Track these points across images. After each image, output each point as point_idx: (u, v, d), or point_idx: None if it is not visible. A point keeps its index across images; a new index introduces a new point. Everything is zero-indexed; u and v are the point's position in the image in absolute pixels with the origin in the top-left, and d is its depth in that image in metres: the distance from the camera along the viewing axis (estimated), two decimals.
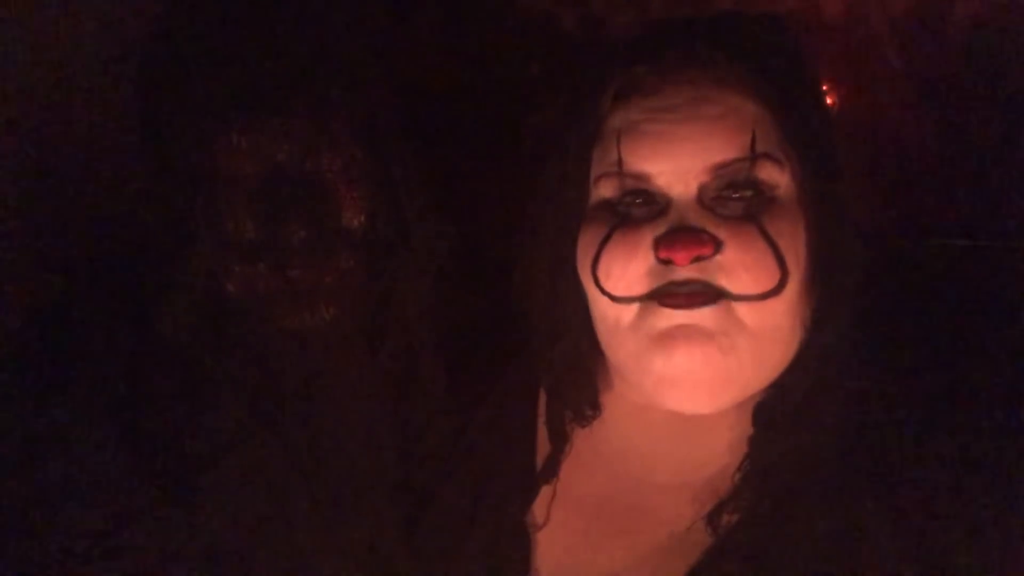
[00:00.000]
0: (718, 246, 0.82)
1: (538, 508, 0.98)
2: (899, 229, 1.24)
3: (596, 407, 0.97)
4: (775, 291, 0.82)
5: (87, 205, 1.17)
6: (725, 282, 0.82)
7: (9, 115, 1.13)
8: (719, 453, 0.90)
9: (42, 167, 1.16)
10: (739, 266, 0.82)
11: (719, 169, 0.83)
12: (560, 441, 0.99)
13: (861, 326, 0.87)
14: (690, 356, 0.83)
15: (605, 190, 0.88)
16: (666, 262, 0.83)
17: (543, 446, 1.00)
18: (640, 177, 0.85)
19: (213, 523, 0.97)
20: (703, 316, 0.82)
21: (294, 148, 0.93)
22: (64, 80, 1.16)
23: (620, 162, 0.85)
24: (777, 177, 0.84)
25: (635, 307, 0.85)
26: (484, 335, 1.07)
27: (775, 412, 0.87)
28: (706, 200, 0.84)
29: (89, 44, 1.16)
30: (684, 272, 0.82)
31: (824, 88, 0.96)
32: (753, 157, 0.83)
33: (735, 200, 0.84)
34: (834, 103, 1.25)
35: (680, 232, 0.82)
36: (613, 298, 0.86)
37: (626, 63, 0.87)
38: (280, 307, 0.96)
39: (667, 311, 0.83)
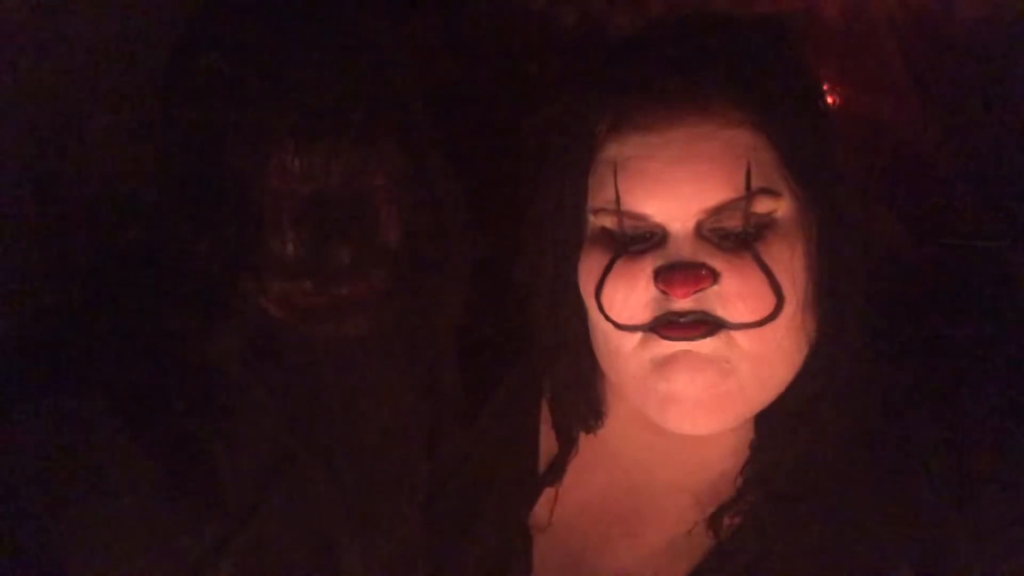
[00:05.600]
0: (715, 278, 0.83)
1: (540, 510, 0.98)
2: (898, 231, 1.23)
3: (599, 416, 0.97)
4: (771, 317, 0.83)
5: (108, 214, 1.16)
6: (722, 312, 0.83)
7: (38, 125, 1.12)
8: (721, 457, 0.90)
9: (64, 178, 1.15)
10: (735, 296, 0.82)
11: (716, 209, 0.83)
12: (568, 444, 0.99)
13: (864, 330, 0.87)
14: (691, 380, 0.84)
15: (603, 220, 0.88)
16: (666, 293, 0.83)
17: (545, 448, 1.00)
18: (638, 217, 0.85)
19: (248, 541, 0.97)
20: (701, 345, 0.83)
21: (344, 168, 0.93)
22: (100, 91, 1.15)
23: (618, 201, 0.85)
24: (773, 206, 0.84)
25: (637, 335, 0.86)
26: (487, 337, 1.06)
27: (778, 419, 0.87)
28: (704, 231, 0.84)
29: (126, 52, 1.15)
30: (683, 304, 0.83)
31: (825, 90, 0.95)
32: (748, 196, 0.83)
33: (732, 230, 0.84)
34: (834, 103, 1.25)
35: (679, 268, 0.83)
36: (617, 326, 0.86)
37: (618, 95, 0.86)
38: (321, 324, 0.96)
39: (667, 341, 0.84)
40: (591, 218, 0.89)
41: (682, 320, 0.83)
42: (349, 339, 0.98)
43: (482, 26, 1.36)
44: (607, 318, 0.86)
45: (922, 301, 0.96)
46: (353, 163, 0.93)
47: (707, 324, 0.83)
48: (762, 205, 0.84)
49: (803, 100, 0.88)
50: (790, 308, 0.83)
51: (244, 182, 0.92)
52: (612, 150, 0.86)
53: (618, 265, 0.86)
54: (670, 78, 0.85)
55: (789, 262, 0.84)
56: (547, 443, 1.00)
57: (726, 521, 0.88)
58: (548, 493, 0.98)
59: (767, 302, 0.83)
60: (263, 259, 0.94)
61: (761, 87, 0.84)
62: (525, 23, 1.35)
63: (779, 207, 0.84)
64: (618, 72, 0.89)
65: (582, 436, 0.99)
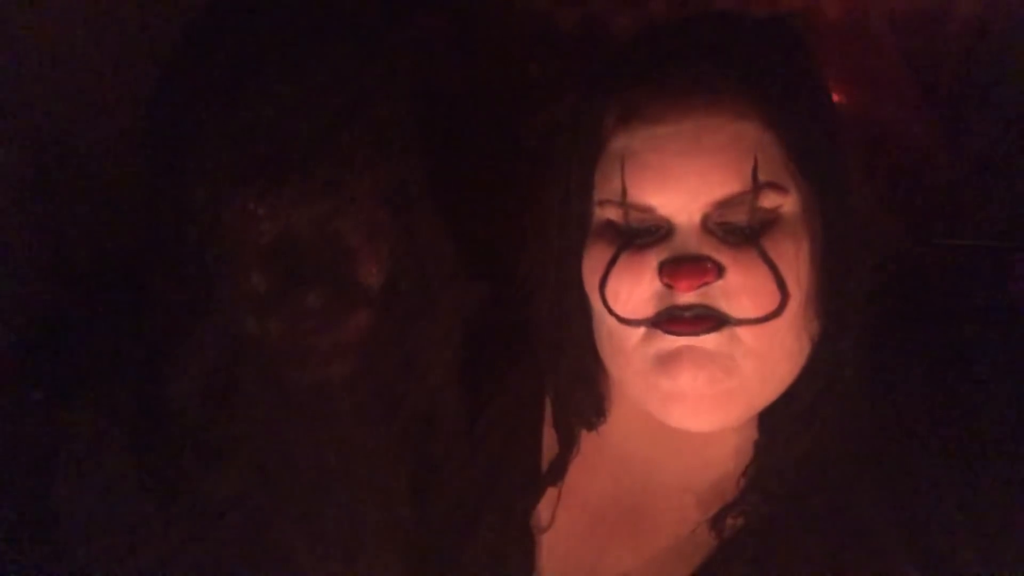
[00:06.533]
0: (721, 272, 0.82)
1: (543, 510, 0.98)
2: (899, 231, 1.24)
3: (601, 413, 0.97)
4: (775, 314, 0.83)
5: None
6: (726, 307, 0.83)
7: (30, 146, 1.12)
8: (725, 457, 0.91)
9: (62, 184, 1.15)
10: (740, 291, 0.82)
11: (722, 202, 0.83)
12: (569, 443, 0.99)
13: (866, 331, 0.87)
14: (694, 377, 0.84)
15: (609, 213, 0.88)
16: (670, 287, 0.83)
17: (548, 448, 1.00)
18: (644, 208, 0.85)
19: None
20: (704, 340, 0.83)
21: (314, 212, 0.90)
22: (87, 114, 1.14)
23: (624, 193, 0.85)
24: (780, 200, 0.84)
25: (641, 330, 0.86)
26: (489, 337, 1.06)
27: (782, 418, 0.87)
28: (710, 225, 0.84)
29: (127, 54, 1.13)
30: (687, 298, 0.83)
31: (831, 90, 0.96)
32: (755, 189, 0.83)
33: (738, 224, 0.84)
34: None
35: (684, 262, 0.82)
36: (621, 319, 0.86)
37: (626, 87, 0.86)
38: (293, 363, 0.94)
39: (671, 336, 0.84)
40: (596, 211, 0.89)
41: (686, 314, 0.83)
42: (326, 383, 0.96)
43: (483, 27, 1.36)
44: (610, 312, 0.86)
45: (922, 301, 0.96)
46: (322, 208, 0.91)
47: (711, 319, 0.83)
48: (769, 199, 0.84)
49: (811, 97, 0.88)
50: (794, 305, 0.84)
51: (202, 223, 0.90)
52: (620, 142, 0.86)
53: (623, 258, 0.86)
54: (679, 70, 0.85)
55: (794, 259, 0.84)
56: (550, 444, 1.00)
57: (729, 521, 0.88)
58: (551, 493, 0.98)
59: (772, 298, 0.83)
60: (235, 297, 0.92)
61: (770, 82, 0.84)
62: (526, 24, 1.35)
63: (785, 203, 0.84)
64: (627, 64, 0.89)
65: (585, 436, 0.99)
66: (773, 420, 0.88)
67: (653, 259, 0.84)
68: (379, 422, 0.99)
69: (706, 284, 0.82)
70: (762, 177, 0.83)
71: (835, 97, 1.23)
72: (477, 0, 1.37)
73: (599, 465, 0.98)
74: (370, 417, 0.99)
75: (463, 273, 1.01)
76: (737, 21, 0.93)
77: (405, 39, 1.04)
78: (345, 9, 0.96)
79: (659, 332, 0.84)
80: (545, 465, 1.00)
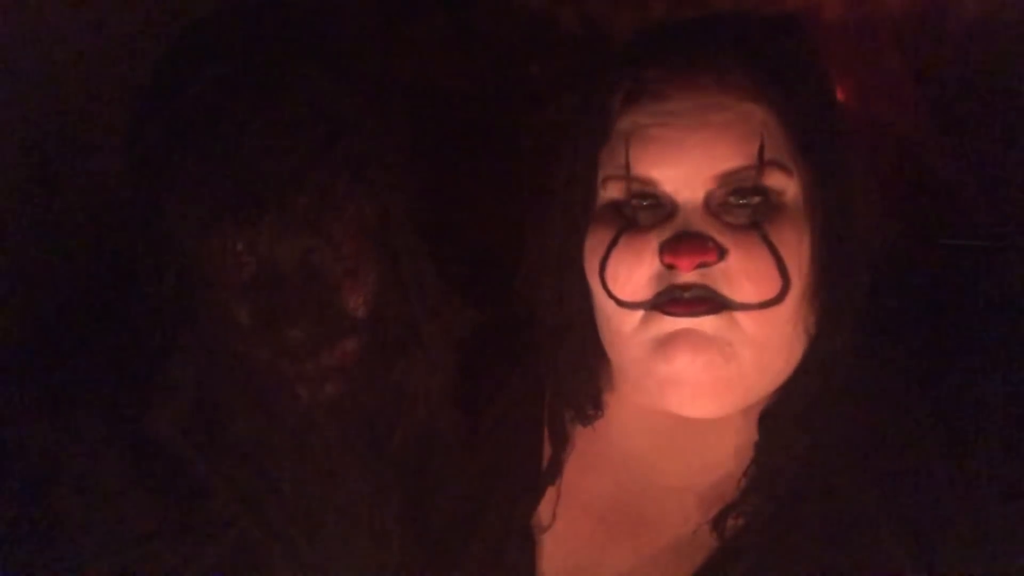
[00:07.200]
0: (722, 253, 0.82)
1: (543, 510, 0.98)
2: (899, 230, 1.24)
3: (598, 406, 0.97)
4: (776, 300, 0.83)
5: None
6: (727, 290, 0.83)
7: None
8: (725, 457, 0.91)
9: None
10: (742, 275, 0.82)
11: (726, 177, 0.83)
12: (561, 441, 0.99)
13: (865, 330, 0.87)
14: (692, 360, 0.84)
15: (612, 191, 0.88)
16: (671, 267, 0.83)
17: (549, 452, 1.00)
18: (647, 182, 0.85)
19: None
20: (702, 323, 0.83)
21: (294, 246, 0.90)
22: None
23: (628, 166, 0.85)
24: (784, 183, 0.85)
25: (639, 313, 0.86)
26: (490, 339, 1.06)
27: (781, 418, 0.88)
28: (712, 206, 0.84)
29: (126, 55, 1.12)
30: (688, 277, 0.83)
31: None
32: (760, 165, 0.83)
33: (741, 206, 0.84)
34: None
35: (685, 238, 0.82)
36: (619, 302, 0.86)
37: (636, 65, 0.87)
38: (279, 393, 0.94)
39: (669, 318, 0.84)
40: (600, 192, 0.89)
41: (686, 295, 0.83)
42: (313, 412, 0.95)
43: (483, 27, 1.36)
44: (609, 295, 0.86)
45: (922, 301, 0.96)
46: (301, 242, 0.90)
47: (711, 301, 0.83)
48: (773, 179, 0.84)
49: (817, 89, 0.89)
50: (795, 294, 0.84)
51: (182, 258, 0.91)
52: (627, 120, 0.87)
53: (623, 239, 0.86)
54: (689, 51, 0.86)
55: (796, 247, 0.84)
56: (550, 447, 1.00)
57: (730, 522, 0.88)
58: (551, 494, 0.98)
59: (773, 283, 0.83)
60: (218, 330, 0.92)
61: (777, 69, 0.85)
62: (526, 24, 1.35)
63: (789, 188, 0.85)
64: (638, 47, 0.90)
65: (586, 436, 0.99)
66: (772, 421, 0.88)
67: (654, 239, 0.84)
68: (368, 451, 0.99)
69: (706, 264, 0.82)
70: (767, 155, 0.83)
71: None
72: (477, 0, 1.37)
73: (600, 466, 0.98)
74: (358, 446, 0.98)
75: (452, 299, 1.01)
76: (745, 16, 0.94)
77: (385, 66, 1.03)
78: (322, 42, 0.95)
79: (658, 315, 0.84)
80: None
